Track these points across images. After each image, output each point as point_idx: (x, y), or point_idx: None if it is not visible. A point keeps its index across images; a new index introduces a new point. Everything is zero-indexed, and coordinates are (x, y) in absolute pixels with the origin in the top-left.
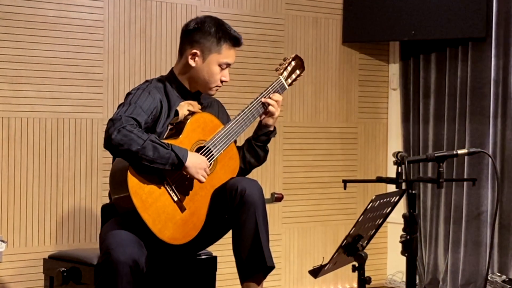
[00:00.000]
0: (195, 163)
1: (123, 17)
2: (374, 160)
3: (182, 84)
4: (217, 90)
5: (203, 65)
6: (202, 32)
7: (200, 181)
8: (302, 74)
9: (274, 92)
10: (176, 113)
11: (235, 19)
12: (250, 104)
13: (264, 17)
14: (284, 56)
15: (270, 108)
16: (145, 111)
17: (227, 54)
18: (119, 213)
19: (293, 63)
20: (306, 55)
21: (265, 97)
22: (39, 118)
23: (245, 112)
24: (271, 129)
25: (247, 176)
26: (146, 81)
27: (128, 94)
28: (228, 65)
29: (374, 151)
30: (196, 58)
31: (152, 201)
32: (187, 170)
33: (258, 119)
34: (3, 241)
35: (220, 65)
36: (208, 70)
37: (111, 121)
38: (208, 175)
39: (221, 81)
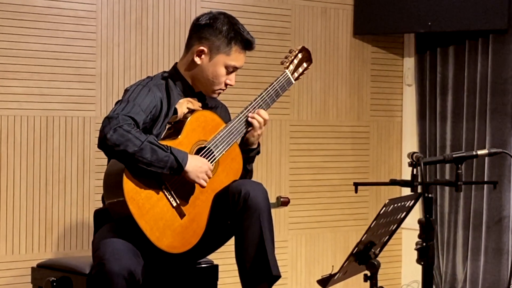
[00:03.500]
0: (195, 166)
1: (117, 7)
2: (387, 161)
3: (186, 81)
4: (219, 93)
5: (208, 64)
6: (213, 29)
7: (201, 186)
8: (309, 67)
9: (279, 88)
10: (175, 111)
11: (238, 10)
12: (254, 101)
13: (269, 7)
14: (290, 49)
15: (254, 122)
16: (143, 110)
17: (236, 57)
18: (114, 218)
19: (299, 55)
20: (314, 48)
21: (251, 112)
22: (27, 116)
23: (248, 109)
24: (252, 147)
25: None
26: (148, 77)
27: (127, 90)
28: (235, 68)
29: (388, 152)
30: (203, 56)
31: (149, 207)
32: (187, 175)
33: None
34: None
35: (226, 67)
36: (214, 70)
37: (107, 119)
38: (209, 178)
39: (226, 85)
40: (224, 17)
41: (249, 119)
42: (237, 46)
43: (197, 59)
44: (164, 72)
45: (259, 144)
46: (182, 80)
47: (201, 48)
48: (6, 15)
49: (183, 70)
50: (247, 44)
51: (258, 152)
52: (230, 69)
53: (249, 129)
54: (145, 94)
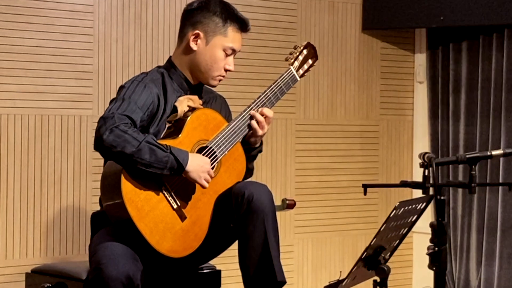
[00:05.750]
0: (196, 166)
1: (115, 1)
2: (397, 162)
3: (182, 74)
4: (220, 80)
5: (206, 48)
6: (206, 12)
7: (203, 186)
8: (314, 63)
9: (283, 85)
10: (175, 109)
11: (241, 4)
12: (258, 99)
13: (274, 1)
14: (295, 44)
15: (253, 123)
16: (140, 108)
17: (233, 37)
18: (111, 222)
19: (304, 51)
20: (321, 44)
21: (254, 110)
22: (21, 115)
23: (252, 107)
24: (255, 145)
25: (255, 180)
26: (143, 73)
27: (121, 87)
28: (233, 51)
29: (398, 152)
30: (199, 41)
31: (149, 209)
32: (188, 175)
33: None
34: None
35: (225, 50)
36: (212, 54)
37: (102, 119)
38: (212, 178)
39: (225, 70)
40: (215, 0)
41: (253, 117)
42: (232, 26)
43: (192, 45)
44: (159, 66)
45: (261, 143)
46: (178, 73)
47: (196, 31)
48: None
49: (178, 62)
50: (242, 24)
51: (260, 151)
52: (229, 52)
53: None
54: (141, 90)
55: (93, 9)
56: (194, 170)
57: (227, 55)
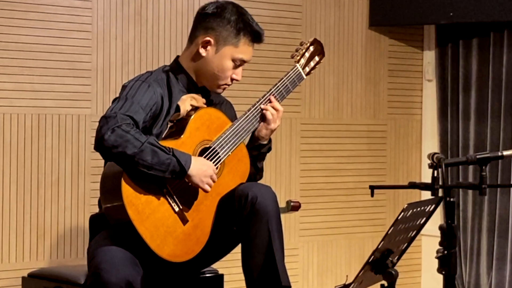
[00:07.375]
0: (199, 170)
1: None
2: (406, 162)
3: (189, 75)
4: (224, 89)
5: (214, 56)
6: (220, 19)
7: (205, 191)
8: (321, 61)
9: (289, 84)
10: (177, 108)
11: None
12: (262, 98)
13: None
14: (301, 41)
15: (268, 114)
16: (143, 108)
17: (244, 49)
18: (111, 224)
19: (311, 48)
20: (327, 41)
21: (264, 104)
22: (17, 114)
23: (256, 107)
24: (264, 142)
25: (258, 181)
26: (147, 71)
27: (124, 86)
28: (243, 62)
29: (406, 153)
30: (208, 47)
31: (149, 212)
32: (191, 179)
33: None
34: None
35: (234, 60)
36: (220, 63)
37: (104, 119)
38: (214, 182)
39: (232, 79)
40: (232, 6)
41: (263, 111)
42: (245, 37)
43: (202, 51)
44: (165, 66)
45: (270, 140)
46: (184, 75)
47: (207, 38)
48: None
49: (185, 64)
50: (256, 36)
51: (270, 149)
52: (238, 63)
53: (258, 126)
54: (144, 90)
55: (92, 5)
56: (196, 174)
57: (235, 66)
